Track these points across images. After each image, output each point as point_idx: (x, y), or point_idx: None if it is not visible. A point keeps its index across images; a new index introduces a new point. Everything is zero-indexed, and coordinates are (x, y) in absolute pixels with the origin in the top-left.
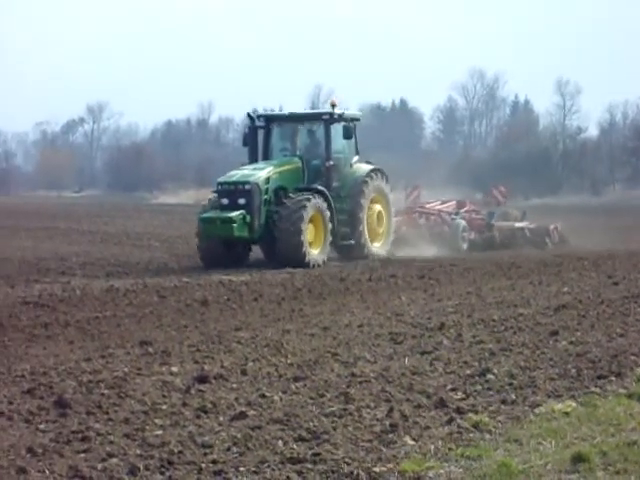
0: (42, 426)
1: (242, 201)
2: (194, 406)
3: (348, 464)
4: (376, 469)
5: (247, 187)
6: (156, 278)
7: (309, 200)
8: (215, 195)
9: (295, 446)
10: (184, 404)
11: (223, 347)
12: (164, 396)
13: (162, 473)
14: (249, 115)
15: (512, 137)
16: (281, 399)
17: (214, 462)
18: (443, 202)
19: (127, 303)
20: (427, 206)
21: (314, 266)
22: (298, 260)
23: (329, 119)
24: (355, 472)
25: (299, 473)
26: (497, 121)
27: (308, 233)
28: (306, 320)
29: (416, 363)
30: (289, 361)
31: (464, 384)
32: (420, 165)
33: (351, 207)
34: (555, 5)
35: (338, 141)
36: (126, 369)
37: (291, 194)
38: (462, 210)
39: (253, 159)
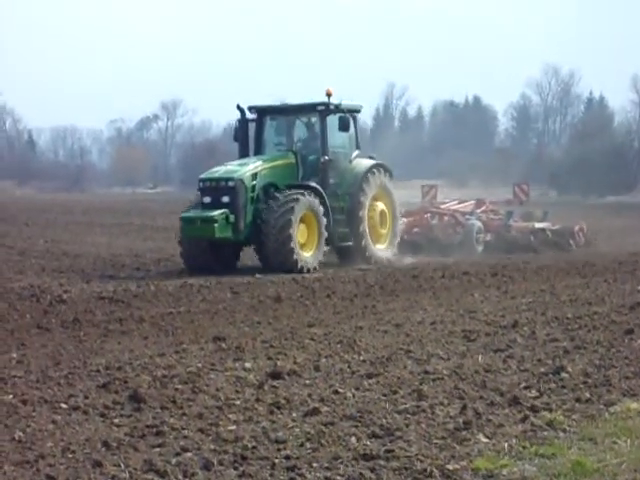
0: (117, 420)
1: (226, 199)
2: (267, 402)
3: (421, 461)
4: (449, 466)
5: (231, 184)
6: (229, 275)
7: (298, 199)
8: (198, 193)
9: (368, 442)
10: (257, 400)
11: (296, 343)
12: (237, 392)
13: (236, 468)
14: (239, 107)
15: (586, 134)
16: (354, 395)
17: (287, 458)
18: (461, 202)
19: (201, 299)
20: (442, 206)
21: (307, 270)
22: (287, 264)
23: (324, 110)
24: (428, 469)
25: (372, 470)
26: (571, 118)
27: (299, 234)
28: (378, 317)
29: (489, 361)
30: (362, 358)
31: (538, 382)
32: (493, 162)
33: (350, 206)
34: (631, 1)
35: (336, 134)
36: (200, 364)
37: (280, 192)
38: (479, 210)
39: (244, 154)
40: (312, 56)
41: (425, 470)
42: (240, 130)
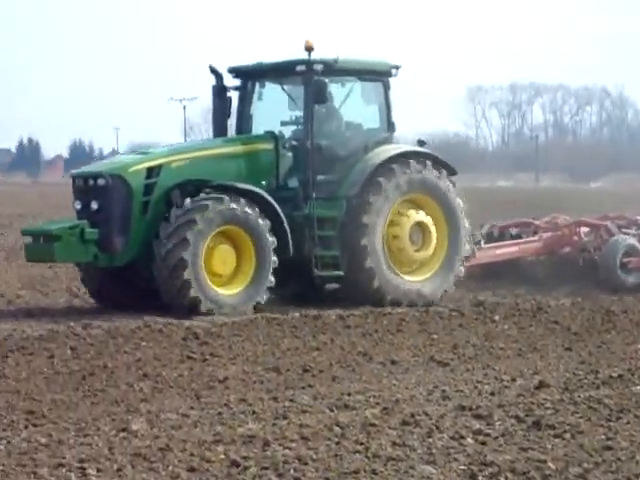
0: None
1: (94, 205)
2: None
3: None
4: None
5: (100, 182)
6: None
7: (206, 207)
8: None
9: None
10: None
11: None
12: None
13: None
14: (212, 69)
15: None
16: None
17: None
18: None
19: None
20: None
21: (228, 314)
22: (183, 304)
23: (307, 71)
24: None
25: None
26: None
27: (215, 261)
28: None
29: None
30: None
31: None
32: None
33: (345, 215)
34: None
35: (342, 108)
36: None
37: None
38: None
39: (219, 134)
40: None
41: None
42: (215, 101)
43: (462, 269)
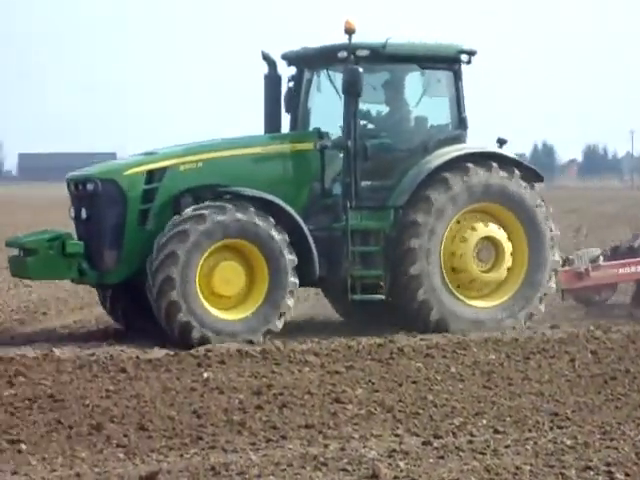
0: None
1: (84, 214)
2: None
3: None
4: None
5: (89, 188)
6: None
7: (203, 217)
8: None
9: None
10: None
11: None
12: None
13: None
14: (264, 55)
15: None
16: None
17: None
18: None
19: None
20: None
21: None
22: (173, 330)
23: (348, 58)
24: None
25: None
26: None
27: (216, 280)
28: None
29: None
30: None
31: None
32: None
33: (392, 229)
34: None
35: (398, 99)
36: None
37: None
38: None
39: (271, 129)
40: None
41: None
42: (267, 92)
43: (552, 285)
